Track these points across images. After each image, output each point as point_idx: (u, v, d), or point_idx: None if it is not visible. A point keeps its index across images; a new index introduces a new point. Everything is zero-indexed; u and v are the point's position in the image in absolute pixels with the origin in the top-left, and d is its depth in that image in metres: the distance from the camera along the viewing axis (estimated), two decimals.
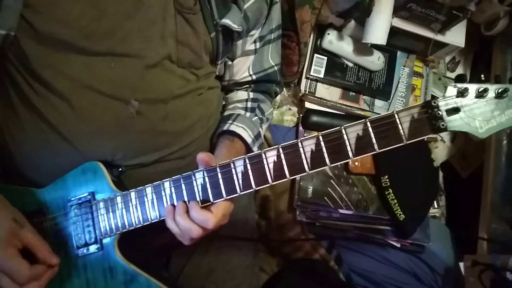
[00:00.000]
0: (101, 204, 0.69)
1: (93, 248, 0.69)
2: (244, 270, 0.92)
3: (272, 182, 0.61)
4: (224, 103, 0.95)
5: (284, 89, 1.20)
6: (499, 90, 0.56)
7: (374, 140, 0.58)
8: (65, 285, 0.70)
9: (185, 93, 0.77)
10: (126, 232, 0.69)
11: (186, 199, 0.64)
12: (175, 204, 0.65)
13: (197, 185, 0.64)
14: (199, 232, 0.62)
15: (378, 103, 1.22)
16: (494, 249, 1.10)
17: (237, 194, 0.63)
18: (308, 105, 1.21)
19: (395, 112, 0.58)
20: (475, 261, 1.05)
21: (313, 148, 0.60)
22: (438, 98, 0.57)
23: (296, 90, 1.21)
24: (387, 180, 1.11)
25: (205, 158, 0.63)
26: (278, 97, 1.23)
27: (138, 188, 0.68)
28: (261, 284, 1.08)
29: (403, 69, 1.24)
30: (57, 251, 0.67)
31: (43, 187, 0.72)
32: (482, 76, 0.57)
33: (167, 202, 0.66)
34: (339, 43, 1.14)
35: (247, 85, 0.95)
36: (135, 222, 0.67)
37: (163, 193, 0.66)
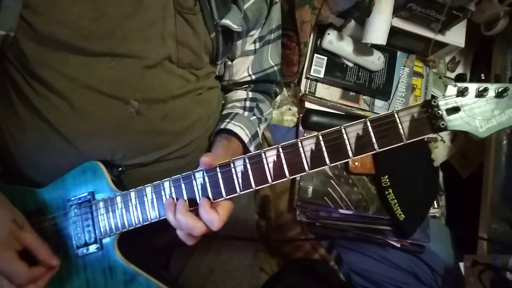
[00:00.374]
0: (101, 204, 0.69)
1: (92, 248, 0.69)
2: (244, 270, 0.92)
3: (272, 181, 0.61)
4: (223, 102, 0.95)
5: (284, 89, 1.20)
6: (499, 90, 0.55)
7: (374, 140, 0.58)
8: (65, 285, 0.70)
9: (184, 93, 0.77)
10: (126, 232, 0.69)
11: (185, 198, 0.64)
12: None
13: (196, 185, 0.64)
14: (202, 231, 0.61)
15: (378, 103, 1.22)
16: (494, 249, 1.10)
17: (237, 194, 0.63)
18: (308, 105, 1.21)
19: (395, 111, 0.57)
20: (475, 261, 1.05)
21: (313, 147, 0.60)
22: (438, 97, 0.57)
23: (296, 90, 1.21)
24: (387, 180, 1.11)
25: (208, 162, 0.62)
26: (278, 97, 1.23)
27: (138, 188, 0.68)
28: (261, 284, 1.08)
29: (403, 69, 1.24)
30: (57, 251, 0.67)
31: (43, 187, 0.72)
32: (482, 75, 0.57)
33: None
34: (339, 43, 1.14)
35: (247, 85, 0.94)
36: (135, 222, 0.67)
37: (162, 193, 0.66)
